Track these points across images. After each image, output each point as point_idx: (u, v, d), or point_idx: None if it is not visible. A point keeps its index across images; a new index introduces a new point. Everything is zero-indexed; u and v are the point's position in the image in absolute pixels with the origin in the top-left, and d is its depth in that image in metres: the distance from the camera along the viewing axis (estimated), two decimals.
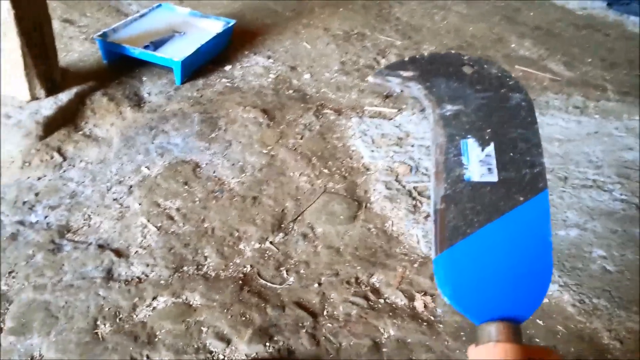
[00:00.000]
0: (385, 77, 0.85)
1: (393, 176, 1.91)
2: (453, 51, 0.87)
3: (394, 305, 1.50)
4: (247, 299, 1.46)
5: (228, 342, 1.35)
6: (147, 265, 1.53)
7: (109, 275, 1.49)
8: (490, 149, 0.74)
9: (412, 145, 2.06)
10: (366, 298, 1.50)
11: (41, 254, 1.53)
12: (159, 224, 1.65)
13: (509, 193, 0.70)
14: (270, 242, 1.64)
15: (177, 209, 1.70)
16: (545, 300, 1.52)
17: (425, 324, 1.45)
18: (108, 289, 1.45)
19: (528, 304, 0.65)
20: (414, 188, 1.86)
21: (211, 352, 1.33)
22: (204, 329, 1.38)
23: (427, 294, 1.53)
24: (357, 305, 1.48)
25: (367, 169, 1.94)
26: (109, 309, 1.40)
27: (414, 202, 1.80)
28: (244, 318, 1.41)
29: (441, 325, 1.45)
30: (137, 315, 1.40)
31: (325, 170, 1.92)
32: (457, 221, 0.69)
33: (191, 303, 1.44)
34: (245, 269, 1.56)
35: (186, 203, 1.73)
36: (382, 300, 1.50)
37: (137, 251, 1.57)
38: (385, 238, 1.69)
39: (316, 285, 1.53)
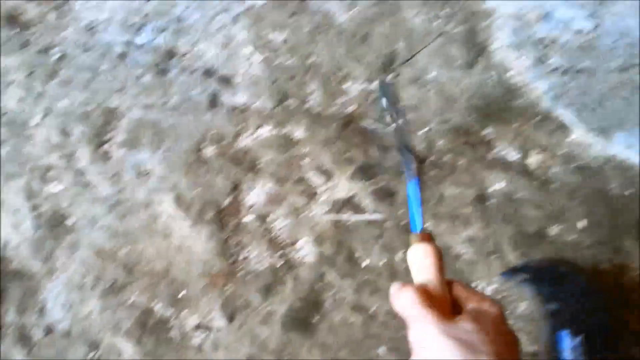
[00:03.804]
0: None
1: (521, 22, 1.69)
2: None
3: (505, 159, 1.39)
4: (351, 137, 1.41)
5: (329, 177, 1.33)
6: (252, 95, 1.50)
7: (214, 101, 1.49)
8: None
9: None
10: (476, 149, 1.40)
11: (149, 75, 1.54)
12: (265, 55, 1.58)
13: None
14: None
15: (284, 41, 1.62)
16: None
17: (536, 181, 1.35)
18: (213, 114, 1.45)
19: None
20: (543, 38, 1.64)
21: (311, 185, 1.32)
22: (306, 162, 1.36)
23: (542, 151, 1.40)
24: (465, 156, 1.39)
25: (491, 14, 1.73)
26: (213, 133, 1.41)
27: (542, 53, 1.59)
28: (346, 155, 1.37)
29: (554, 185, 1.34)
30: (240, 142, 1.40)
31: (444, 11, 1.72)
32: None
33: (294, 136, 1.41)
34: (350, 108, 1.49)
35: (292, 35, 1.64)
36: (493, 153, 1.40)
37: (242, 80, 1.54)
38: (505, 89, 1.54)
39: (424, 130, 1.44)
